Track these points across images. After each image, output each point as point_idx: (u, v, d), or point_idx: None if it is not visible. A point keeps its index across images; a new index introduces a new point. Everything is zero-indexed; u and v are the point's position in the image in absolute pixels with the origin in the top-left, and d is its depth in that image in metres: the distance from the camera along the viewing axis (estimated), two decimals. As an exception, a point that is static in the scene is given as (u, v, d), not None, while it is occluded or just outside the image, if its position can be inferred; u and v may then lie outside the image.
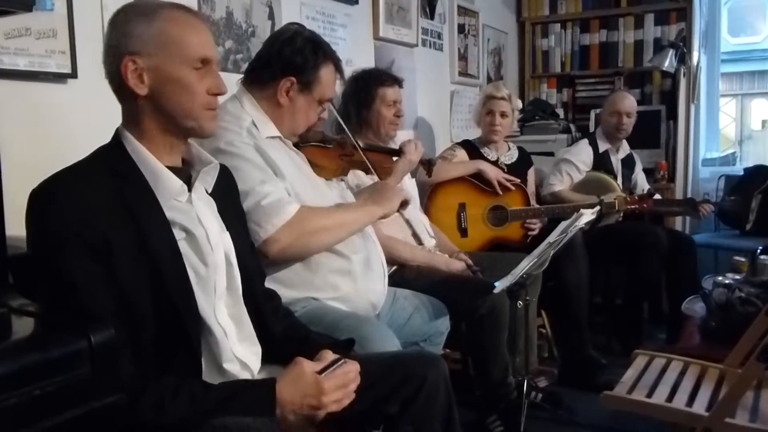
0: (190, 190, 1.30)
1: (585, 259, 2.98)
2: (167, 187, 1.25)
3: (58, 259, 1.12)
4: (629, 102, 3.49)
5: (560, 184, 3.41)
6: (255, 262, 1.50)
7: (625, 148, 3.62)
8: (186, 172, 1.33)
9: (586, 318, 3.01)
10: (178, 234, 1.25)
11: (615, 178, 3.47)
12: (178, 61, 1.24)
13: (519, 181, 3.04)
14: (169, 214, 1.24)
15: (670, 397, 1.73)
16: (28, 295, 1.17)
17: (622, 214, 3.26)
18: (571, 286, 2.93)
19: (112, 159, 1.24)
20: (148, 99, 1.24)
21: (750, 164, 4.31)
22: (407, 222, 2.48)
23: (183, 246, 1.25)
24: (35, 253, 1.17)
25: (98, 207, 1.16)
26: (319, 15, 2.79)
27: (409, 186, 2.65)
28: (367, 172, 2.09)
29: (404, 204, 1.94)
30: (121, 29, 1.23)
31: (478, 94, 4.15)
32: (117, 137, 1.28)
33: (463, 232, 2.96)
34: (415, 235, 2.50)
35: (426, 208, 2.88)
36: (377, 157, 2.24)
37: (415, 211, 2.62)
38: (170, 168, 1.28)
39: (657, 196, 3.42)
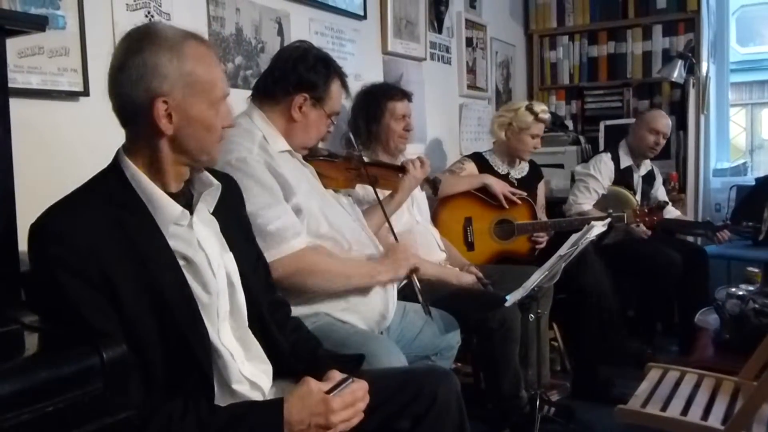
0: (192, 212, 1.29)
1: (600, 266, 2.91)
2: (167, 214, 1.23)
3: (61, 294, 1.11)
4: (667, 122, 3.46)
5: (588, 203, 3.36)
6: (259, 278, 1.48)
7: (647, 164, 3.58)
8: (187, 194, 1.32)
9: (607, 328, 2.91)
10: (179, 262, 1.24)
11: (634, 194, 3.44)
12: (206, 103, 1.24)
13: (525, 194, 3.02)
14: (170, 242, 1.23)
15: (685, 411, 1.72)
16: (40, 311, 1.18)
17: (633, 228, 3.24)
18: (585, 295, 2.87)
19: (110, 187, 1.22)
20: (171, 137, 1.23)
21: (761, 174, 4.28)
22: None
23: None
24: (39, 290, 1.16)
25: (98, 240, 1.14)
26: (327, 30, 2.81)
27: (420, 198, 2.65)
28: (373, 186, 2.09)
29: (414, 271, 1.89)
30: (149, 62, 1.19)
31: (487, 106, 4.17)
32: (116, 163, 1.26)
33: (470, 246, 2.94)
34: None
35: (432, 221, 2.87)
36: (383, 172, 2.26)
37: (425, 225, 2.62)
38: (172, 193, 1.27)
39: (669, 206, 3.40)
